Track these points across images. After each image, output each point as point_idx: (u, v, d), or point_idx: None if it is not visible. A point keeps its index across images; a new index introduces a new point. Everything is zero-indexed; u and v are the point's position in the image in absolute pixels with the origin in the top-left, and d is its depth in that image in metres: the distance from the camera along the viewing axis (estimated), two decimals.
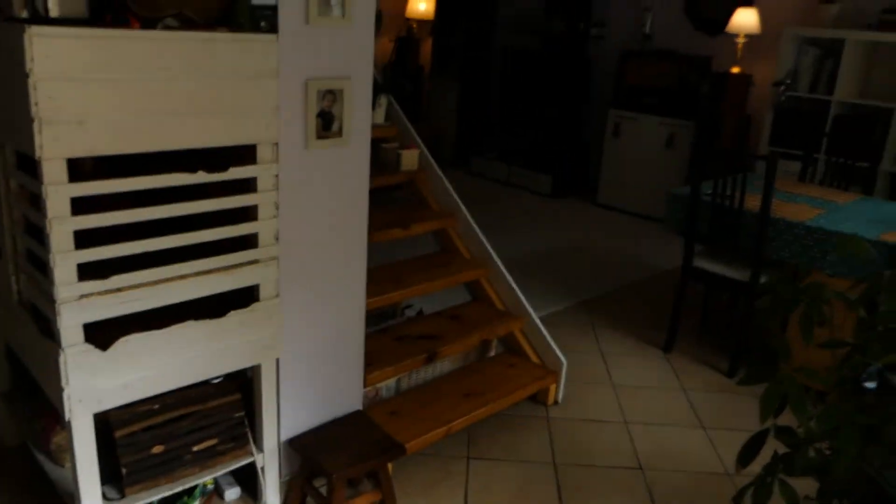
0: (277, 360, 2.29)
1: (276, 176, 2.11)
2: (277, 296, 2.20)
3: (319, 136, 2.28)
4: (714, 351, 3.83)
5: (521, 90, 7.15)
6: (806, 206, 3.55)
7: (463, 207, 3.47)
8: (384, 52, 8.14)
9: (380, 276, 3.12)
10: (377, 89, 3.44)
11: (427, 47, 8.04)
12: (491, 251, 3.39)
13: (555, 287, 4.56)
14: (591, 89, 6.91)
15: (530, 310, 3.32)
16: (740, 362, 3.56)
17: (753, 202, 3.50)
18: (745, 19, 5.29)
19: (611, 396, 3.35)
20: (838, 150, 4.28)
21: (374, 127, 3.52)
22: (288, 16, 2.09)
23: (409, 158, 3.50)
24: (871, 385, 2.07)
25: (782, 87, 5.08)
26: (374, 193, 2.61)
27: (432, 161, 3.57)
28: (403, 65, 7.89)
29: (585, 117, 6.93)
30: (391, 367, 2.82)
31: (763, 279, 3.44)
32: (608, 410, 3.24)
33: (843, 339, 1.86)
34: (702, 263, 3.63)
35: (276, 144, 2.09)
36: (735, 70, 5.41)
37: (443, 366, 3.17)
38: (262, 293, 2.17)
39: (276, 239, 2.16)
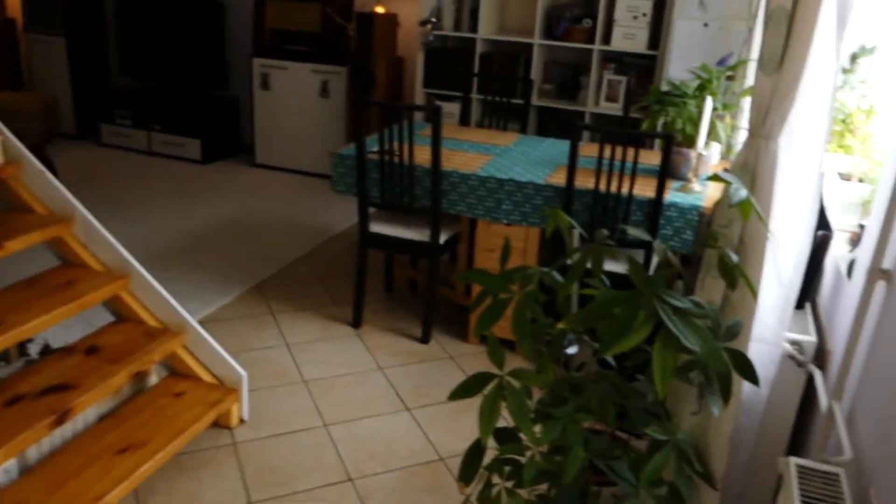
0: None
1: None
2: None
3: None
4: (405, 317, 3.59)
5: (146, 42, 6.13)
6: (473, 153, 3.41)
7: (80, 206, 2.67)
8: None
9: None
10: None
11: None
12: (127, 256, 2.67)
13: (221, 274, 3.93)
14: (229, 37, 6.17)
15: (191, 319, 2.70)
16: (431, 326, 3.36)
17: (423, 156, 3.24)
18: None
19: (305, 397, 2.91)
20: (489, 89, 4.26)
21: None
22: None
23: None
24: (572, 350, 1.91)
25: (428, 26, 4.93)
26: None
27: (24, 149, 2.67)
28: None
29: (228, 70, 6.19)
30: (2, 448, 2.03)
31: (444, 236, 3.24)
32: (304, 416, 2.80)
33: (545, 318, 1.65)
34: (379, 227, 3.31)
35: None
36: (379, 10, 5.14)
37: (86, 415, 2.43)
38: None
39: None
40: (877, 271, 1.57)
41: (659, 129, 3.10)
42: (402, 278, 3.91)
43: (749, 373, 1.48)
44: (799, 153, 1.66)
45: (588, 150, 3.46)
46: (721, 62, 4.13)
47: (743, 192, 1.43)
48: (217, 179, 5.61)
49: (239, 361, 2.77)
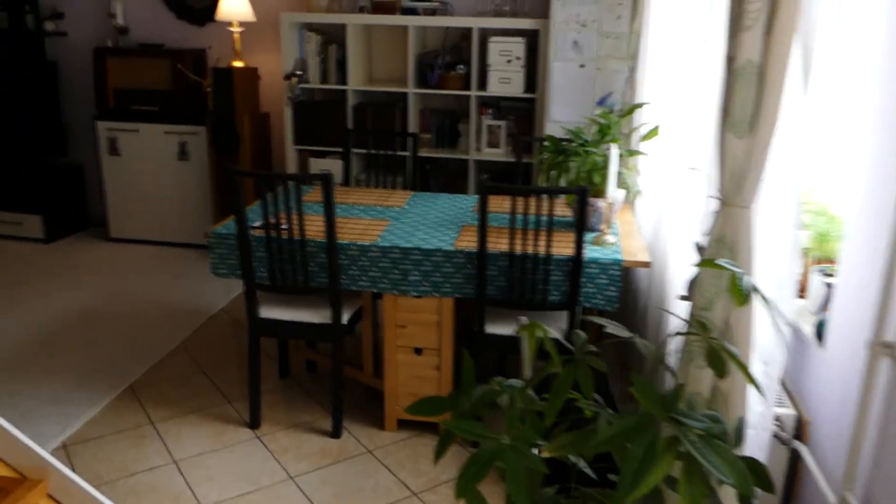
0: None
1: None
2: None
3: None
4: (308, 406, 3.21)
5: None
6: (367, 219, 3.12)
7: None
8: None
9: None
10: None
11: None
12: None
13: (82, 380, 3.37)
14: (67, 99, 5.53)
15: (53, 461, 2.20)
16: (342, 417, 3.01)
17: (313, 227, 2.92)
18: (234, 6, 4.64)
19: None
20: (367, 143, 3.99)
21: None
22: None
23: None
24: None
25: (293, 80, 4.61)
26: None
27: None
28: None
29: (67, 134, 5.54)
30: None
31: (346, 315, 2.91)
32: None
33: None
34: (271, 312, 2.93)
35: None
36: (238, 63, 4.76)
37: None
38: None
39: None
40: (879, 346, 1.44)
41: (556, 179, 2.95)
42: (299, 361, 3.53)
43: (766, 482, 1.28)
44: (775, 218, 1.51)
45: (493, 203, 3.27)
46: (601, 101, 4.11)
47: (749, 280, 1.24)
48: (65, 260, 4.95)
49: (119, 492, 2.30)
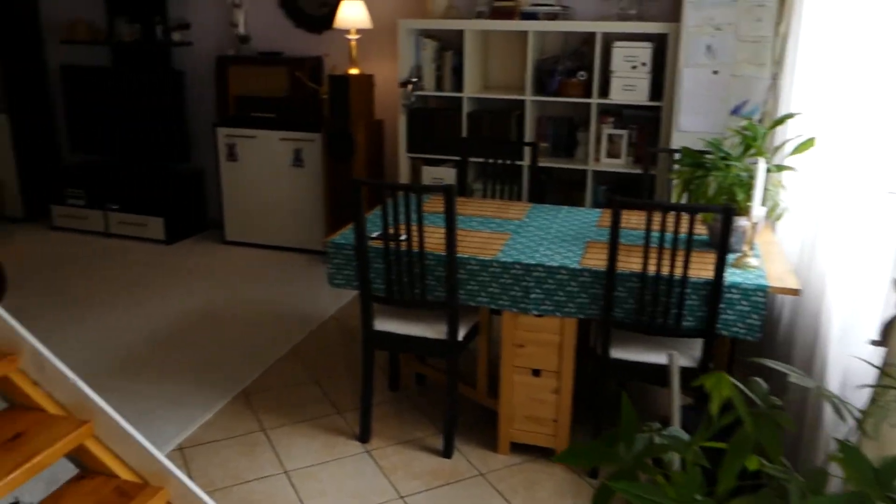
0: None
1: None
2: None
3: None
4: (418, 422, 3.12)
5: (99, 116, 5.64)
6: (487, 232, 2.99)
7: (28, 336, 2.17)
8: None
9: None
10: None
11: None
12: (90, 393, 2.17)
13: (198, 382, 3.42)
14: (190, 106, 5.72)
15: (174, 469, 2.19)
16: (454, 437, 2.89)
17: (432, 239, 2.82)
18: (352, 13, 4.64)
19: None
20: (483, 151, 3.87)
21: None
22: None
23: None
24: None
25: (409, 87, 4.56)
26: None
27: None
28: None
29: (190, 141, 5.73)
30: None
31: (463, 331, 2.79)
32: None
33: None
34: (386, 325, 2.86)
35: None
36: (354, 71, 4.76)
37: None
38: None
39: None
40: None
41: (695, 194, 2.73)
42: (410, 374, 3.44)
43: None
44: None
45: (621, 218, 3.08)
46: (736, 110, 3.83)
47: None
48: (184, 262, 5.09)
49: (232, 500, 2.26)
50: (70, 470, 2.25)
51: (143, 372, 3.50)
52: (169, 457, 2.83)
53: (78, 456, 2.20)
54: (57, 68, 5.83)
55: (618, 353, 2.64)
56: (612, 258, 2.47)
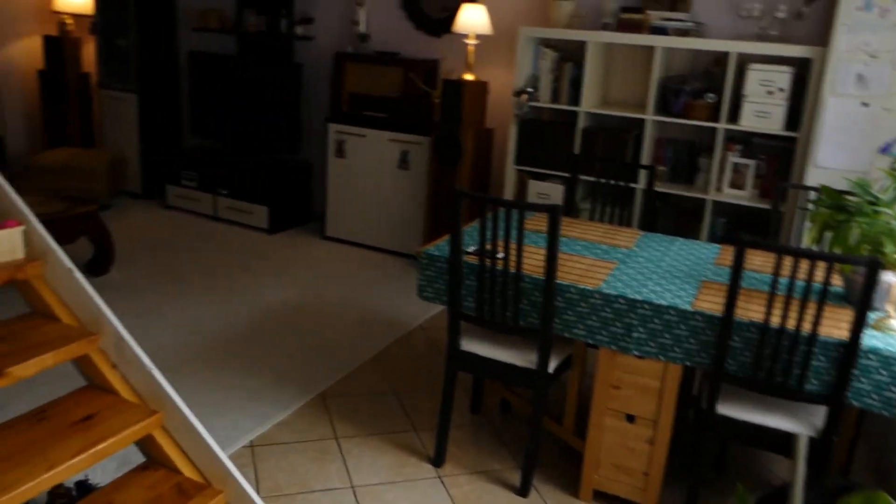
0: None
1: None
2: None
3: None
4: (496, 452, 2.93)
5: (219, 103, 5.78)
6: (591, 258, 2.78)
7: (112, 318, 2.14)
8: (29, 55, 6.24)
9: None
10: None
11: (91, 50, 6.29)
12: (164, 384, 2.12)
13: (278, 378, 3.36)
14: (305, 100, 5.77)
15: (237, 474, 2.11)
16: (532, 474, 2.69)
17: (532, 260, 2.64)
18: (472, 18, 4.52)
19: None
20: (592, 169, 3.65)
21: None
22: None
23: (5, 244, 2.08)
24: None
25: (523, 97, 4.39)
26: None
27: (52, 242, 2.18)
28: (58, 72, 6.07)
29: (302, 134, 5.78)
30: None
31: (554, 362, 2.59)
32: None
33: None
34: (472, 345, 2.69)
35: None
36: (469, 76, 4.63)
37: None
38: None
39: None
40: None
41: (835, 241, 2.41)
42: (493, 398, 3.27)
43: None
44: None
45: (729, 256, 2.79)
46: (886, 149, 3.45)
47: None
48: (283, 253, 5.11)
49: None
50: (141, 455, 2.21)
51: (228, 362, 3.48)
52: (239, 453, 2.77)
53: (145, 445, 2.16)
54: (186, 54, 6.03)
55: (725, 410, 2.36)
56: (731, 303, 2.20)
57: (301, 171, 5.77)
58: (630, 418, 2.52)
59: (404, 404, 3.23)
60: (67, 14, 6.03)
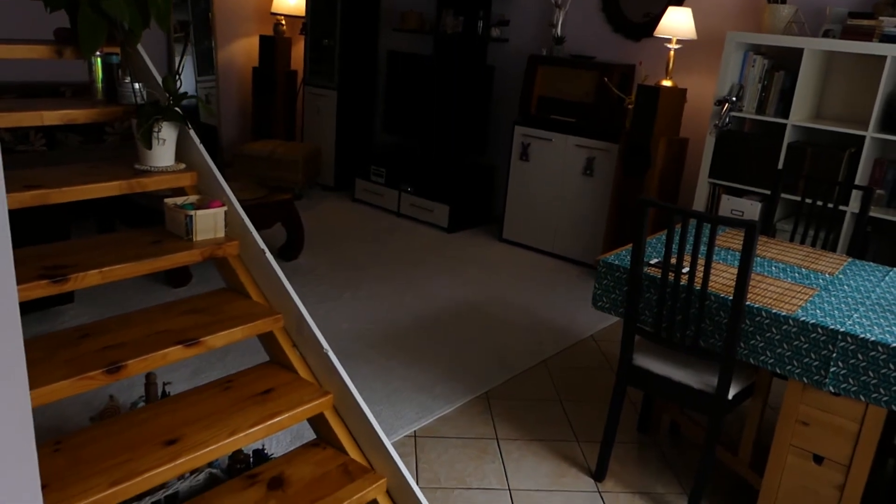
0: None
1: None
2: None
3: None
4: (662, 475, 2.77)
5: (412, 102, 5.99)
6: (788, 282, 2.54)
7: (297, 300, 2.27)
8: (247, 53, 6.84)
9: (135, 437, 1.88)
10: (150, 112, 2.20)
11: (299, 49, 6.78)
12: (338, 366, 2.20)
13: (447, 374, 3.41)
14: (494, 102, 5.83)
15: (399, 461, 2.15)
16: (699, 502, 2.51)
17: (719, 278, 2.46)
18: (677, 21, 4.31)
19: None
20: (797, 187, 3.34)
21: (154, 172, 2.28)
22: None
23: (210, 222, 2.27)
24: None
25: (726, 106, 4.12)
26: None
27: (250, 226, 2.34)
28: (269, 69, 6.60)
29: (489, 136, 5.84)
30: None
31: (734, 388, 2.40)
32: None
33: None
34: (646, 361, 2.56)
35: None
36: (667, 83, 4.43)
37: None
38: None
39: None
40: None
41: None
42: (664, 419, 3.09)
43: None
44: None
45: None
46: None
47: None
48: (460, 252, 5.20)
49: (452, 502, 2.17)
50: (313, 433, 2.32)
51: (402, 352, 3.59)
52: (402, 441, 2.84)
53: (316, 424, 2.26)
54: (385, 54, 6.31)
55: None
56: None
57: (484, 173, 5.84)
58: (818, 459, 2.27)
59: (569, 414, 3.15)
60: (283, 15, 6.54)
